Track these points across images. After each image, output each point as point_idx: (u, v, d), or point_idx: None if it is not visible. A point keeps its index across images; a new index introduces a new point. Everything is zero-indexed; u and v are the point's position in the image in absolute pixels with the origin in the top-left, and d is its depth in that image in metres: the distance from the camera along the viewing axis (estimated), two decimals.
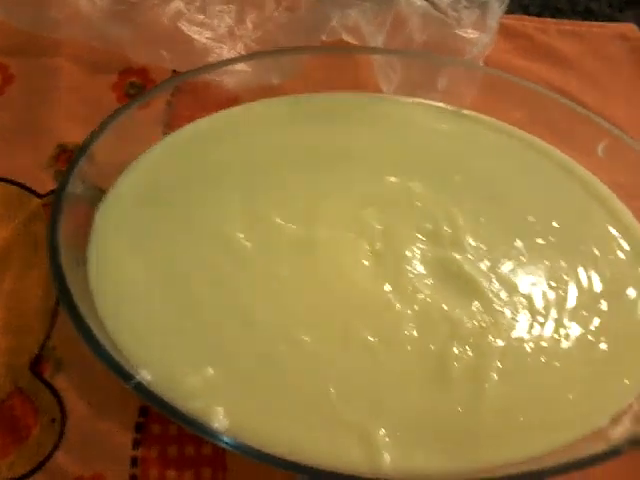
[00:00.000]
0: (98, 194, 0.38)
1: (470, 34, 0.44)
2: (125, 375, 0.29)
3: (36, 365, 0.35)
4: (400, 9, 0.42)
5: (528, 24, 0.53)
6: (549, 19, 0.54)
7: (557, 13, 0.55)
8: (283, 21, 0.47)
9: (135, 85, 0.46)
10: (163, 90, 0.42)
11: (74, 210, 0.36)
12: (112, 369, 0.30)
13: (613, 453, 0.30)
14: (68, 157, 0.42)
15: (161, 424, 0.34)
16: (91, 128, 0.38)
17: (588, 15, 0.56)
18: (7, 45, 0.46)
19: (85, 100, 0.43)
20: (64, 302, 0.32)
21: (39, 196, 0.40)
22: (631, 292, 0.38)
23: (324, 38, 0.42)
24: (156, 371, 0.32)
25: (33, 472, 0.33)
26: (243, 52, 0.45)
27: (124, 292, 0.35)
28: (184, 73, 0.41)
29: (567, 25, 0.54)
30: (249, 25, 0.47)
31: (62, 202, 0.35)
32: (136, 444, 0.34)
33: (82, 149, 0.37)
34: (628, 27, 0.54)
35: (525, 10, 0.54)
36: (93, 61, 0.45)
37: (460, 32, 0.44)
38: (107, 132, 0.38)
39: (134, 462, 0.33)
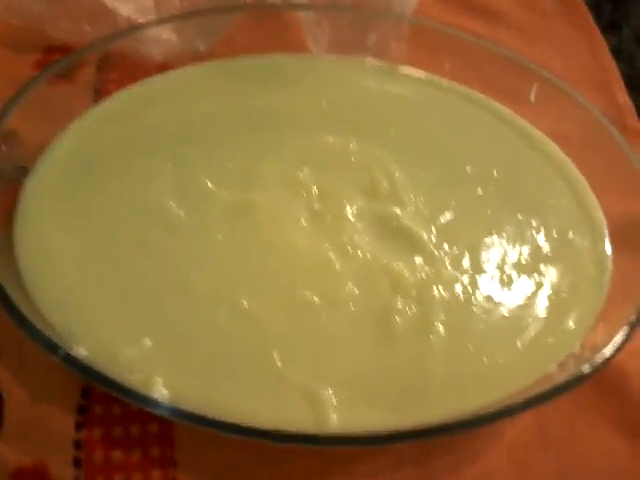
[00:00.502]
0: (23, 172, 0.37)
1: None
2: (53, 347, 0.28)
3: None
4: None
5: None
6: None
7: None
8: None
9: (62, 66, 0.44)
10: (83, 57, 0.40)
11: None
12: (40, 342, 0.29)
13: (556, 392, 0.30)
14: None
15: (104, 405, 0.33)
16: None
17: None
18: None
19: (9, 79, 0.41)
20: None
21: None
22: (573, 236, 0.38)
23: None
24: (91, 346, 0.31)
25: None
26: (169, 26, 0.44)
27: (55, 269, 0.34)
28: (103, 38, 0.40)
29: None
30: None
31: None
32: (79, 427, 0.32)
33: None
34: None
35: None
36: (15, 40, 0.44)
37: None
38: (22, 106, 0.36)
39: (77, 445, 0.32)
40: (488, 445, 0.34)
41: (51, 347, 0.29)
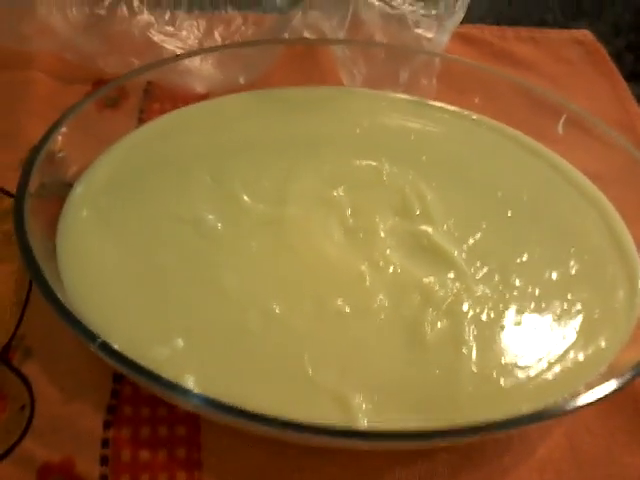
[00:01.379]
0: (67, 188, 0.39)
1: (428, 34, 0.46)
2: (91, 335, 0.29)
3: (5, 353, 0.35)
4: (358, 9, 0.44)
5: (487, 32, 0.55)
6: (506, 27, 0.57)
7: (513, 23, 0.58)
8: (249, 33, 0.49)
9: (109, 96, 0.47)
10: (127, 83, 0.42)
11: (40, 204, 0.36)
12: (77, 330, 0.29)
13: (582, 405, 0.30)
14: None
15: (133, 406, 0.34)
16: None
17: (543, 25, 0.59)
18: None
19: (60, 109, 0.44)
20: (34, 278, 0.31)
21: (11, 196, 0.41)
22: (604, 260, 0.38)
23: (286, 36, 0.44)
24: (125, 344, 0.31)
25: (1, 459, 0.31)
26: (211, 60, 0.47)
27: (93, 273, 0.35)
28: (147, 65, 0.42)
29: (524, 32, 0.56)
30: (217, 38, 0.49)
31: (23, 198, 0.34)
32: (107, 426, 0.33)
33: (37, 147, 0.37)
34: (582, 33, 0.57)
35: (482, 21, 0.57)
36: (66, 73, 0.47)
37: (419, 31, 0.45)
38: (68, 127, 0.38)
39: (105, 444, 0.32)
40: (519, 461, 0.33)
41: (89, 336, 0.29)
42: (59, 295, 0.31)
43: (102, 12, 0.46)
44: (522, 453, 0.33)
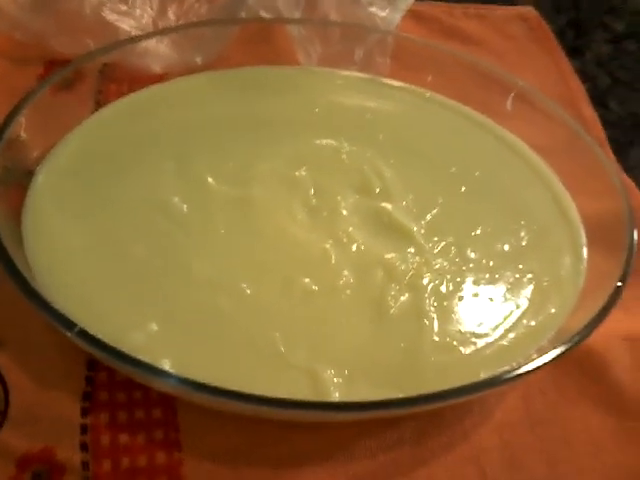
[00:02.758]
0: (29, 176, 0.38)
1: (382, 12, 0.47)
2: (68, 324, 0.29)
3: None
4: None
5: (436, 9, 0.57)
6: (455, 4, 0.58)
7: (462, 0, 0.59)
8: (203, 11, 0.49)
9: (64, 77, 0.46)
10: (84, 66, 0.42)
11: (4, 193, 0.36)
12: (55, 319, 0.29)
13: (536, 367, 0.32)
14: None
15: (108, 391, 0.34)
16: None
17: (490, 2, 0.60)
18: None
19: (12, 91, 0.43)
20: (7, 269, 0.31)
21: None
22: (551, 229, 0.41)
23: (243, 15, 0.44)
24: (99, 331, 0.31)
25: None
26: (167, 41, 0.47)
27: (61, 260, 0.35)
28: (103, 47, 0.42)
29: (471, 8, 0.58)
30: (171, 16, 0.49)
31: None
32: (84, 412, 0.33)
33: None
34: (527, 9, 0.59)
35: None
36: (17, 53, 0.46)
37: (373, 10, 0.46)
38: (26, 113, 0.38)
39: (84, 430, 0.33)
40: (478, 425, 0.36)
41: (67, 324, 0.29)
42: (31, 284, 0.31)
43: None
44: (481, 417, 0.36)
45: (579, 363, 0.38)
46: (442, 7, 0.58)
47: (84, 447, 0.32)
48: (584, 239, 0.41)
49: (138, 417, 0.34)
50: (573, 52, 0.58)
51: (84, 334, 0.29)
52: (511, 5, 0.60)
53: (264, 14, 0.44)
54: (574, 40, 0.60)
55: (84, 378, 0.34)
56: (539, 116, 0.45)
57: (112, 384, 0.34)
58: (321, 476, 0.33)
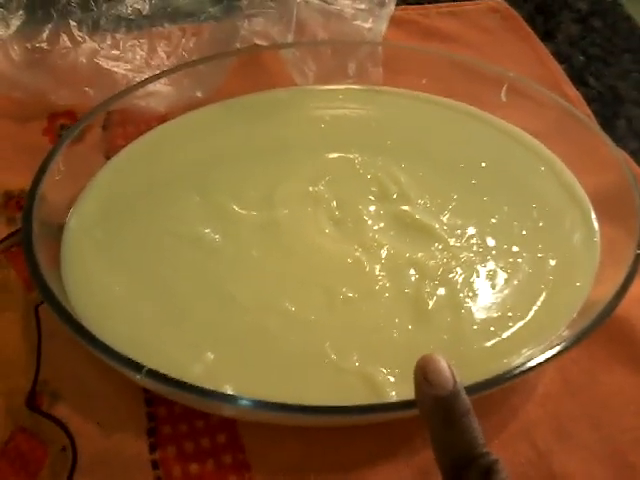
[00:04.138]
0: (58, 230, 0.39)
1: (367, 24, 0.49)
2: (136, 366, 0.30)
3: (32, 400, 0.35)
4: (300, 11, 0.46)
5: (411, 12, 0.59)
6: (428, 5, 0.60)
7: (433, 0, 0.61)
8: (191, 45, 0.50)
9: (65, 126, 0.47)
10: (92, 119, 0.42)
11: (40, 248, 0.36)
12: (123, 364, 0.30)
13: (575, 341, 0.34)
14: (16, 203, 0.43)
15: (171, 424, 0.35)
16: (32, 172, 0.39)
17: None
18: None
19: (20, 148, 0.44)
20: (60, 315, 0.32)
21: None
22: (562, 210, 0.43)
23: (238, 46, 0.45)
24: (160, 369, 0.32)
25: None
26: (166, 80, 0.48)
27: (108, 309, 0.36)
28: (107, 99, 0.43)
29: (444, 7, 0.60)
30: (162, 54, 0.50)
31: (31, 244, 0.35)
32: (152, 448, 0.34)
33: (32, 189, 0.37)
34: (495, 1, 0.61)
35: (405, 1, 0.60)
36: (18, 111, 0.47)
37: (358, 23, 0.48)
38: (50, 171, 0.38)
39: (155, 465, 0.34)
40: (524, 401, 0.37)
41: (135, 366, 0.30)
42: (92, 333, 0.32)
43: (43, 45, 0.46)
44: (525, 393, 0.37)
45: (605, 329, 0.39)
46: (416, 9, 0.59)
47: None
48: (593, 213, 0.43)
49: (204, 445, 0.34)
50: (545, 36, 0.60)
51: (153, 374, 0.30)
52: None
53: (259, 42, 0.45)
54: (544, 24, 0.62)
55: (145, 415, 0.35)
56: (530, 102, 0.47)
57: (173, 417, 0.35)
58: (388, 472, 0.34)
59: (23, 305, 0.39)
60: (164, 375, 0.30)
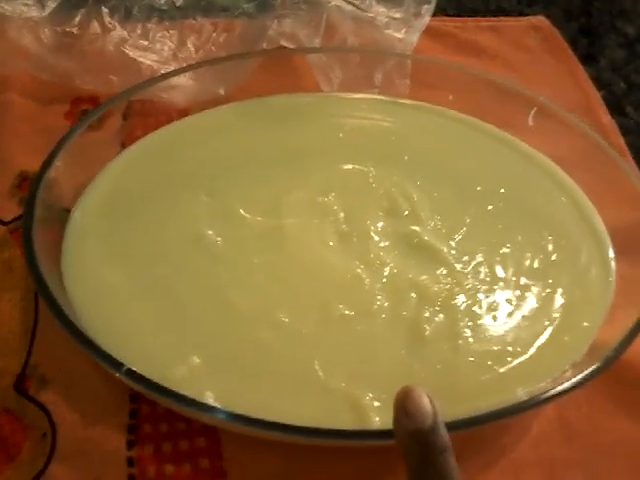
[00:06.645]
0: (65, 214, 0.39)
1: (399, 34, 0.48)
2: (116, 364, 0.30)
3: (20, 384, 0.35)
4: (331, 15, 0.45)
5: (449, 24, 0.57)
6: (467, 18, 0.59)
7: (473, 13, 0.60)
8: (221, 40, 0.50)
9: (87, 112, 0.47)
10: (111, 107, 0.43)
11: (43, 233, 0.36)
12: (102, 360, 0.30)
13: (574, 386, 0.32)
14: (30, 184, 0.43)
15: (152, 423, 0.35)
16: None
17: (500, 13, 0.61)
18: None
19: (41, 130, 0.44)
20: (50, 307, 0.32)
21: (5, 224, 0.41)
22: (578, 244, 0.41)
23: (265, 46, 0.45)
24: (142, 367, 0.32)
25: None
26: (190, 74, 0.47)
27: (102, 299, 0.36)
28: (129, 89, 0.43)
29: (484, 21, 0.58)
30: (190, 48, 0.50)
31: (31, 230, 0.35)
32: (130, 445, 0.34)
33: (39, 176, 0.38)
34: (538, 19, 0.60)
35: (444, 12, 0.59)
36: (44, 93, 0.47)
37: (390, 32, 0.47)
38: (61, 156, 0.39)
39: (130, 462, 0.33)
40: (516, 441, 0.36)
41: (114, 364, 0.30)
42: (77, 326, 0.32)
43: (74, 30, 0.46)
44: (518, 433, 0.36)
45: (612, 372, 0.38)
46: (455, 22, 0.58)
47: (132, 479, 0.33)
48: (611, 251, 0.41)
49: (183, 448, 0.34)
50: (587, 59, 0.58)
51: (131, 373, 0.30)
52: (522, 15, 0.60)
53: (285, 44, 0.44)
54: (587, 47, 0.60)
55: (128, 411, 0.35)
56: (558, 128, 0.45)
57: (155, 416, 0.35)
58: None
59: (24, 287, 0.39)
60: (141, 376, 0.30)
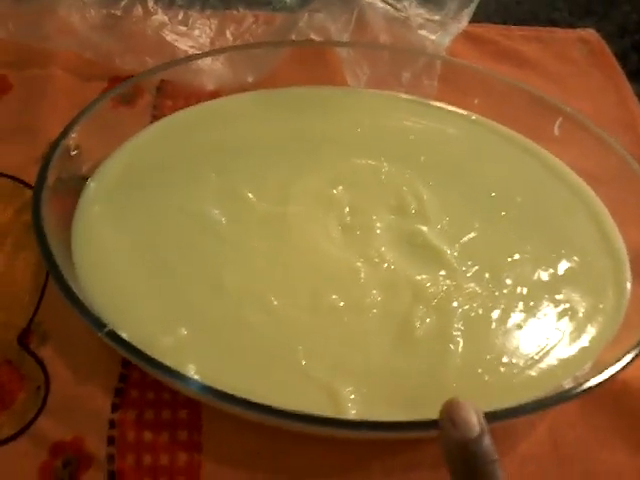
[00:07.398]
0: (83, 183, 0.41)
1: (432, 36, 0.47)
2: (99, 324, 0.31)
3: (24, 337, 0.37)
4: (363, 12, 0.45)
5: (492, 31, 0.56)
6: (513, 26, 0.57)
7: (521, 23, 0.59)
8: (260, 32, 0.51)
9: (125, 93, 0.49)
10: (142, 84, 0.44)
11: (57, 197, 0.38)
12: (87, 318, 0.32)
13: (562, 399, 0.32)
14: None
15: (139, 389, 0.36)
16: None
17: (550, 24, 0.59)
18: (5, 58, 0.50)
19: (78, 104, 0.46)
20: (50, 269, 0.34)
21: (32, 188, 0.43)
22: (593, 261, 0.40)
23: (293, 37, 0.46)
24: (132, 332, 0.33)
25: (17, 435, 0.34)
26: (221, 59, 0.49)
27: (105, 266, 0.37)
28: (157, 66, 0.44)
29: (530, 31, 0.57)
30: (228, 36, 0.51)
31: (41, 192, 0.37)
32: (115, 408, 0.35)
33: (54, 143, 0.39)
34: (588, 32, 0.58)
35: (489, 20, 0.58)
36: (84, 70, 0.49)
37: (423, 33, 0.47)
38: (84, 125, 0.41)
39: (112, 424, 0.35)
40: (502, 455, 0.34)
41: (97, 324, 0.31)
42: (72, 285, 0.33)
43: (118, 12, 0.48)
44: (505, 447, 0.35)
45: (613, 398, 0.37)
46: (499, 29, 0.57)
47: (111, 441, 0.34)
48: (629, 273, 0.39)
49: (164, 417, 0.35)
50: (636, 75, 0.56)
51: (113, 335, 0.31)
52: (573, 28, 0.59)
53: (314, 37, 0.45)
54: (637, 63, 0.58)
55: (118, 375, 0.36)
56: (588, 142, 0.44)
57: (143, 383, 0.36)
58: None
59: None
60: (120, 337, 0.31)
